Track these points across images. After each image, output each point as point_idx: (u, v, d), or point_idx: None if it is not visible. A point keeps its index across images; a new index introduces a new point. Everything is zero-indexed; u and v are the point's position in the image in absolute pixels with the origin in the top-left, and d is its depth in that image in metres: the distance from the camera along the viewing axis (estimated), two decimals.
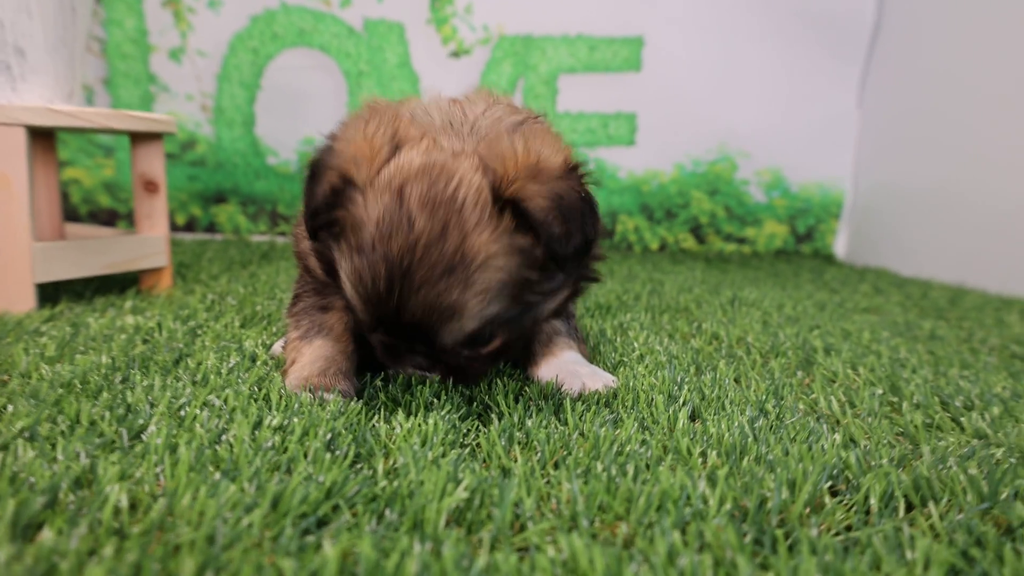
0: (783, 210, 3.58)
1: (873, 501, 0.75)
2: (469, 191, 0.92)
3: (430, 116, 1.04)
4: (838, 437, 0.92)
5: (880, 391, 1.15)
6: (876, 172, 3.40)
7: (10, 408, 0.95)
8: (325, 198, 0.96)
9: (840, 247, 3.61)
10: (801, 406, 1.08)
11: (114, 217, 3.14)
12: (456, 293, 0.91)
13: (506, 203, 0.92)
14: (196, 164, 3.18)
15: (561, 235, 0.93)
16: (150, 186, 1.89)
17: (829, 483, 0.79)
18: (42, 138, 1.90)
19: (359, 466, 0.82)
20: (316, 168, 1.00)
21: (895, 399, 1.13)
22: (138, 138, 1.87)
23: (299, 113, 3.16)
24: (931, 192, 2.99)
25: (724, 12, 3.35)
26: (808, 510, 0.73)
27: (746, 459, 0.84)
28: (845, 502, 0.76)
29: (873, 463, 0.85)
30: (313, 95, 3.20)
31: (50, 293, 1.72)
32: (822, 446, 0.88)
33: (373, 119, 1.00)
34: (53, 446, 0.83)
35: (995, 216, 2.61)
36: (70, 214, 3.05)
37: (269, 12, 3.11)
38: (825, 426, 0.98)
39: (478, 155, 0.95)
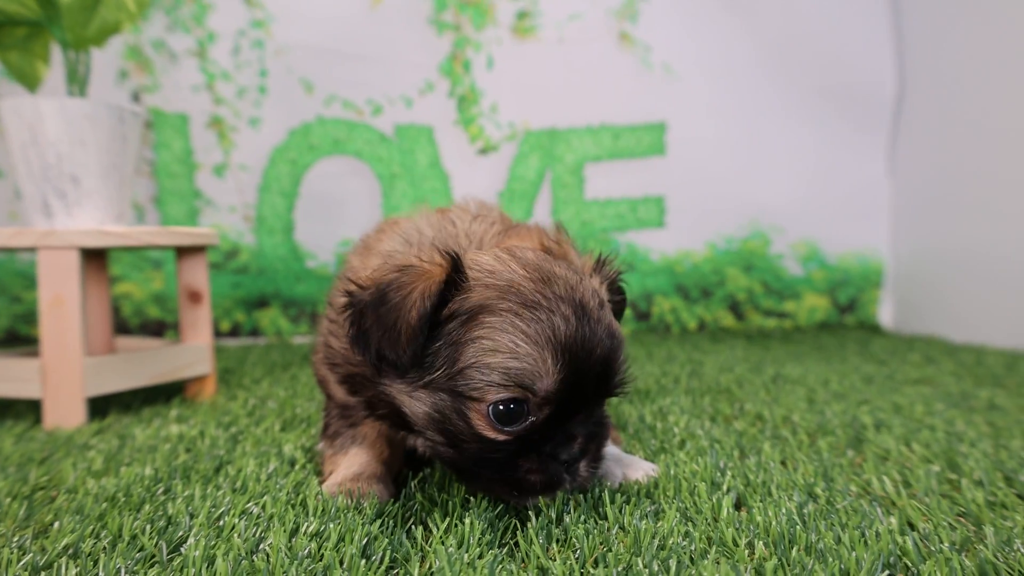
0: (822, 282, 3.53)
1: None
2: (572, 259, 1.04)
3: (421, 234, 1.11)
4: (894, 520, 0.86)
5: (937, 468, 1.09)
6: (916, 238, 3.35)
7: (56, 524, 0.97)
8: (430, 299, 0.90)
9: (886, 316, 3.52)
10: (853, 488, 1.02)
11: (162, 327, 3.25)
12: (611, 316, 0.97)
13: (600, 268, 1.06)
14: (239, 272, 3.31)
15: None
16: (194, 296, 1.97)
17: (886, 572, 0.74)
18: (94, 257, 2.01)
19: (395, 571, 0.81)
20: (384, 295, 0.92)
21: (954, 476, 1.07)
22: (183, 251, 1.96)
23: (336, 217, 3.29)
24: (977, 254, 2.91)
25: (744, 93, 3.44)
26: None
27: (795, 549, 0.79)
28: None
29: (933, 548, 0.79)
30: (349, 198, 3.34)
31: (100, 405, 1.77)
32: (876, 531, 0.83)
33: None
34: (95, 563, 0.84)
35: None
36: (121, 326, 3.17)
37: (306, 125, 3.31)
38: (879, 509, 0.93)
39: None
